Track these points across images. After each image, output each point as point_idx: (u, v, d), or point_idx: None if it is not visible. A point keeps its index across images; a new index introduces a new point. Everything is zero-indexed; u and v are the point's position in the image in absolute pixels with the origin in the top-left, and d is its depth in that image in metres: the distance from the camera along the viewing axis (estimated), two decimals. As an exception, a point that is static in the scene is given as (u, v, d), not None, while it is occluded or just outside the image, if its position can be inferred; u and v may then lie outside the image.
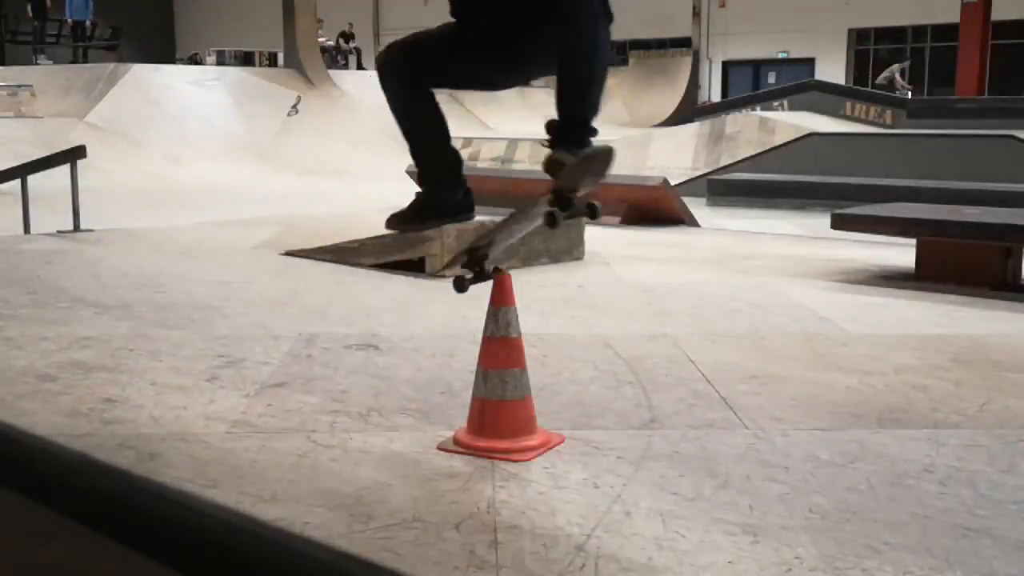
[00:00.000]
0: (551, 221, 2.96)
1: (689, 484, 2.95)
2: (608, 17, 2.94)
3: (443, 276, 6.43)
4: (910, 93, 23.63)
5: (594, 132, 3.01)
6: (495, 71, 3.28)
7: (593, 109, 3.01)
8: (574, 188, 2.97)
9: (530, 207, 3.17)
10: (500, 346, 3.23)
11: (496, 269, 3.26)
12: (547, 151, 2.99)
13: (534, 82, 28.49)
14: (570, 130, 2.96)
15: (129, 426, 3.48)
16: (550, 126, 3.01)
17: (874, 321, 5.30)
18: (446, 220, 3.44)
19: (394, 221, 3.45)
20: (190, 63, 25.85)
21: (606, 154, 3.01)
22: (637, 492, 2.88)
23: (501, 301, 3.24)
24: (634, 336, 4.85)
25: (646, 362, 4.34)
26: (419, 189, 3.35)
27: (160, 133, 17.52)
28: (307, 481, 2.96)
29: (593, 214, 3.06)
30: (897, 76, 24.13)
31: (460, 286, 3.21)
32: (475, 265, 3.24)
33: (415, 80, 3.17)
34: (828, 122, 18.29)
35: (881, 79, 24.17)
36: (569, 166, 2.89)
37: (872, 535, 2.60)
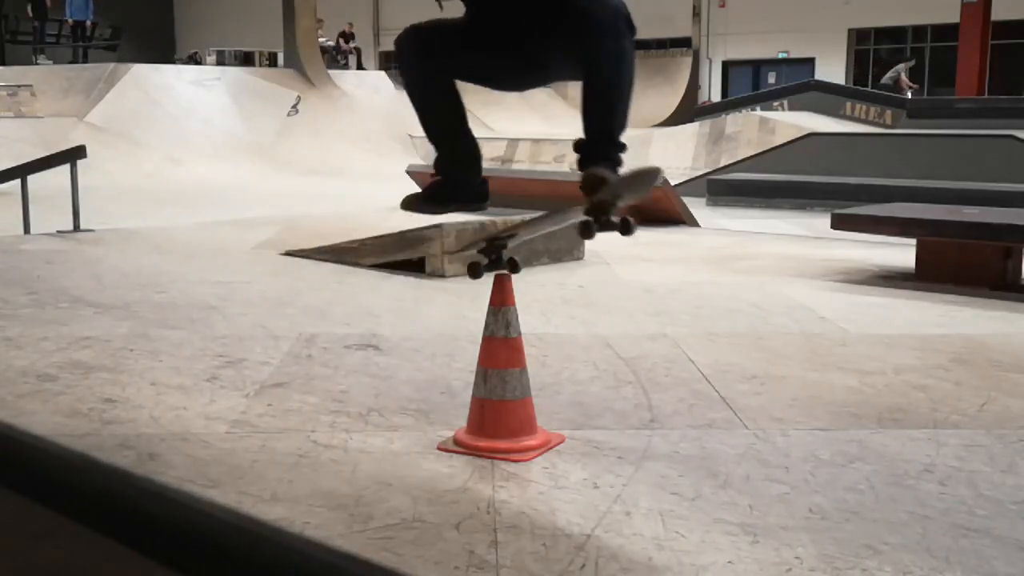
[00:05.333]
0: (586, 232, 2.90)
1: (689, 484, 2.95)
2: (632, 31, 2.96)
3: (443, 276, 6.44)
4: (910, 93, 23.61)
5: (623, 148, 2.99)
6: (504, 71, 3.27)
7: (620, 125, 2.99)
8: (613, 202, 2.93)
9: (564, 211, 3.14)
10: (500, 346, 3.23)
11: (512, 260, 3.24)
12: (579, 160, 2.96)
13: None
14: (600, 147, 2.94)
15: (129, 426, 3.48)
16: (578, 145, 2.99)
17: (874, 321, 5.30)
18: (463, 206, 3.36)
19: (412, 201, 3.35)
20: (190, 62, 25.85)
21: (652, 173, 3.00)
22: (637, 492, 2.88)
23: (501, 301, 3.24)
24: (634, 336, 4.85)
25: (646, 362, 4.34)
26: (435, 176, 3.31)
27: (160, 133, 17.51)
28: (307, 481, 2.96)
29: (627, 230, 2.96)
30: (903, 75, 24.08)
31: (475, 272, 3.20)
32: (492, 253, 3.22)
33: (429, 55, 3.13)
34: (828, 122, 18.28)
35: (886, 79, 24.12)
36: (611, 184, 2.86)
37: (872, 535, 2.60)
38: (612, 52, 2.93)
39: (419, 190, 3.40)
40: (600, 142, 2.95)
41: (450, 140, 3.26)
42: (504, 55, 3.14)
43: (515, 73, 3.28)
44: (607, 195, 2.86)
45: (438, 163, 3.28)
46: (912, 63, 25.19)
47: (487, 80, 3.34)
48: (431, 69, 3.13)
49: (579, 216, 2.96)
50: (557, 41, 2.97)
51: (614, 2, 2.95)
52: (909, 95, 23.12)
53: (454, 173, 3.27)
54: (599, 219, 2.89)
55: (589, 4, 2.89)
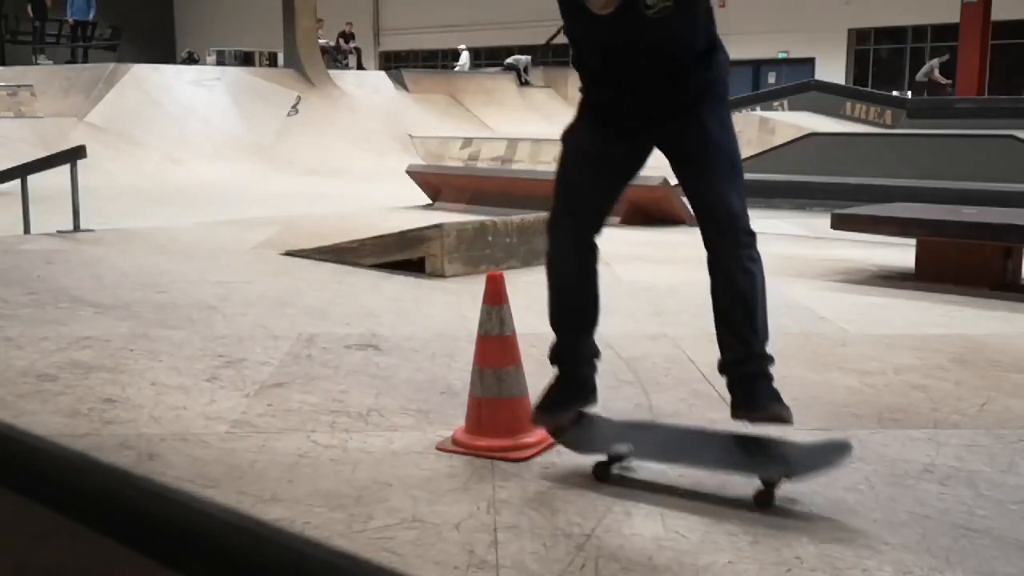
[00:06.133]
0: (764, 502, 2.74)
1: (689, 484, 2.94)
2: (752, 238, 2.86)
3: (443, 276, 6.44)
4: (946, 87, 23.43)
5: (771, 359, 2.88)
6: (636, 164, 3.08)
7: (764, 337, 2.88)
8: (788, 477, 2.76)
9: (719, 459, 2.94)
10: (494, 344, 3.24)
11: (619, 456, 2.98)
12: (730, 384, 2.87)
13: (534, 82, 28.49)
14: (749, 368, 2.85)
15: (129, 426, 3.48)
16: (724, 366, 2.89)
17: (874, 321, 5.30)
18: (588, 399, 3.08)
19: (540, 416, 3.06)
20: (189, 62, 25.84)
21: (841, 449, 2.84)
22: (637, 492, 2.88)
23: (494, 299, 3.26)
24: (634, 336, 4.85)
25: (646, 362, 4.34)
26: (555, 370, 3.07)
27: (160, 133, 17.51)
28: (307, 481, 2.96)
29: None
30: (936, 71, 23.96)
31: (603, 474, 2.94)
32: (616, 459, 2.97)
33: (588, 238, 2.99)
34: (828, 122, 18.27)
35: (920, 75, 23.99)
36: (799, 451, 2.74)
37: (872, 535, 2.60)
38: (741, 258, 2.86)
39: (542, 394, 3.07)
40: (748, 362, 2.86)
41: (573, 317, 3.09)
42: (634, 143, 3.00)
43: (640, 163, 3.11)
44: (782, 473, 2.75)
45: (558, 351, 3.08)
46: (946, 58, 24.71)
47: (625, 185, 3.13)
48: (587, 252, 2.99)
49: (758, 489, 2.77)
50: (689, 126, 2.88)
51: (736, 209, 2.87)
52: (948, 89, 22.90)
53: (576, 356, 3.06)
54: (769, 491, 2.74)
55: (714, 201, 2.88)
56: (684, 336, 4.82)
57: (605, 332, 5.07)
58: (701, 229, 2.95)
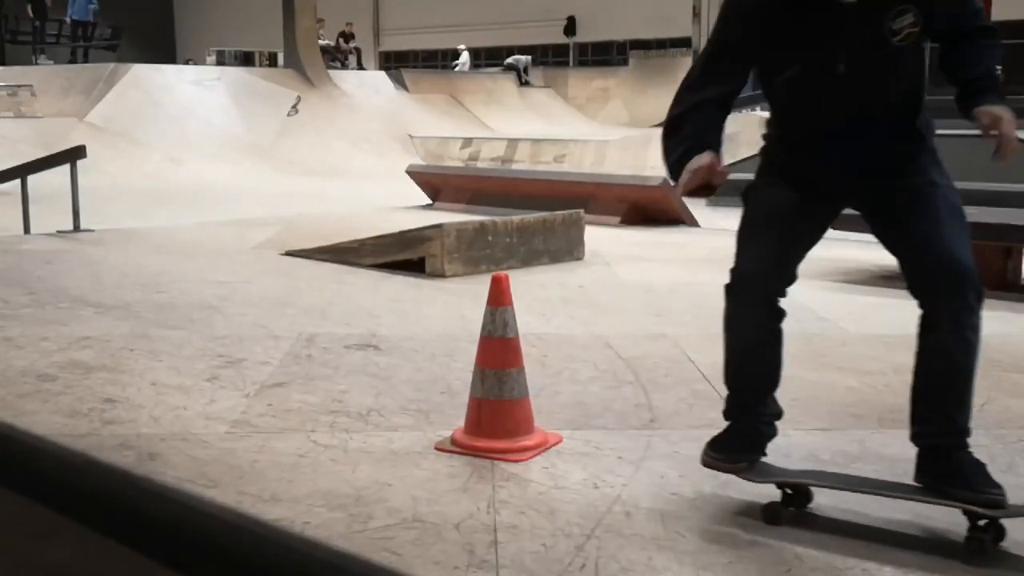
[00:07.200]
0: (975, 551, 2.48)
1: (689, 484, 2.94)
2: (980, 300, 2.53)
3: (443, 276, 6.44)
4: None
5: (969, 434, 2.56)
6: (833, 216, 2.89)
7: (967, 410, 2.55)
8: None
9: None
10: (497, 346, 3.23)
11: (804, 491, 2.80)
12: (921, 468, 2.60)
13: (534, 82, 28.47)
14: (946, 440, 2.55)
15: (129, 426, 3.48)
16: (917, 437, 2.62)
17: (874, 321, 5.30)
18: (762, 451, 2.80)
19: (712, 459, 2.79)
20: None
21: None
22: (637, 492, 2.88)
23: (497, 301, 3.25)
24: (634, 336, 4.85)
25: (646, 362, 4.34)
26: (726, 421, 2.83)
27: (160, 133, 17.50)
28: (307, 481, 2.96)
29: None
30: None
31: (775, 517, 2.69)
32: (797, 494, 2.77)
33: (776, 301, 2.78)
34: (828, 122, 18.22)
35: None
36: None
37: (872, 535, 2.60)
38: (964, 326, 2.51)
39: (712, 444, 2.80)
40: (949, 436, 2.55)
41: (754, 379, 2.81)
42: (833, 207, 2.83)
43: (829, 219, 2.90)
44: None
45: (734, 406, 2.81)
46: None
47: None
48: (775, 315, 2.79)
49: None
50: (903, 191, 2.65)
51: (968, 264, 2.54)
52: None
53: (752, 404, 2.79)
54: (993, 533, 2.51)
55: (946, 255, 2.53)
56: (684, 336, 4.82)
57: (605, 332, 5.10)
58: (919, 284, 2.62)
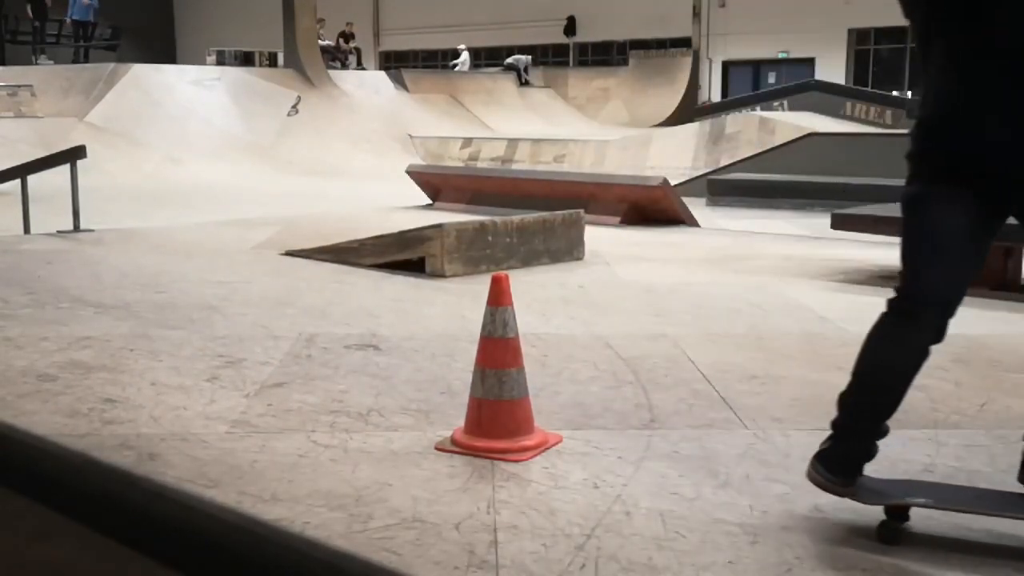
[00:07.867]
0: None
1: (689, 484, 2.94)
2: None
3: (443, 276, 6.44)
4: None
5: (880, 432, 2.53)
6: (996, 231, 2.65)
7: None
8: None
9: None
10: (497, 346, 3.23)
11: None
12: None
13: (534, 82, 28.51)
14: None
15: (129, 426, 3.48)
16: None
17: (874, 321, 5.29)
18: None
19: (818, 474, 2.61)
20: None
21: None
22: (637, 492, 2.88)
23: (498, 301, 3.25)
24: (634, 336, 4.85)
25: (646, 362, 4.34)
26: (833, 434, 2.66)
27: (160, 133, 17.51)
28: (307, 481, 2.96)
29: None
30: None
31: (889, 536, 2.57)
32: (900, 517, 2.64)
33: (938, 333, 2.61)
34: (828, 122, 18.29)
35: None
36: None
37: (872, 535, 2.60)
38: None
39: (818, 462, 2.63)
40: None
41: (879, 401, 2.66)
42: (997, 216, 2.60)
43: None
44: None
45: (846, 421, 2.66)
46: None
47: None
48: (935, 339, 2.60)
49: None
50: None
51: None
52: None
53: (872, 427, 2.63)
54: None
55: None
56: (684, 336, 4.82)
57: (605, 332, 5.10)
58: None
